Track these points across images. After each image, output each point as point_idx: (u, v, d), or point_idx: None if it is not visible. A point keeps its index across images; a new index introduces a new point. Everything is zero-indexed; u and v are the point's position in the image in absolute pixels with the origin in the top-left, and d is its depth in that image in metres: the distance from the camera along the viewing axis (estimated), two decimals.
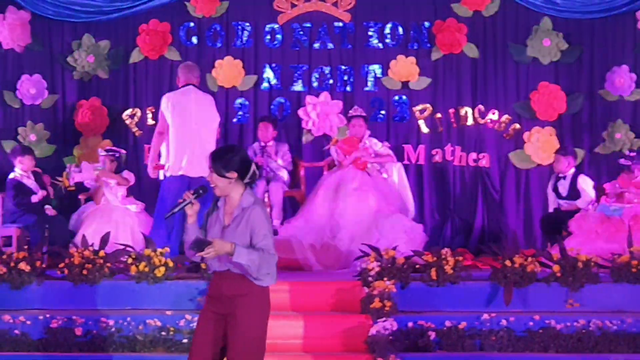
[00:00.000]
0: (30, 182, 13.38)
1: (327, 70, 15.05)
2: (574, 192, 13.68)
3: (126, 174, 13.85)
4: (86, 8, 14.84)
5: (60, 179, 14.16)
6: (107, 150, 13.81)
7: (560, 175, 13.80)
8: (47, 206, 13.39)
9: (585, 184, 13.69)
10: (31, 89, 14.79)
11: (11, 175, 13.33)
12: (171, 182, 12.10)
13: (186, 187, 11.42)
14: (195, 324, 9.91)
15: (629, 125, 14.75)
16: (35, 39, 14.89)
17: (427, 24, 14.98)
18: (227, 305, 7.25)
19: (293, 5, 15.04)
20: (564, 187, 13.75)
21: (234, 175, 7.16)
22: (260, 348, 7.40)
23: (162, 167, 12.41)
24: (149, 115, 14.94)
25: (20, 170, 13.35)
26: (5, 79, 14.84)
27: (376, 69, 14.99)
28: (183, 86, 12.40)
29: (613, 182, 13.54)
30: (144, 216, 13.45)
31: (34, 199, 13.34)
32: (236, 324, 7.21)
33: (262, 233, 7.16)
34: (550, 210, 14.00)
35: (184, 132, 12.08)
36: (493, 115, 14.97)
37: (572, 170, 13.81)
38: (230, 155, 7.22)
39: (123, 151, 14.16)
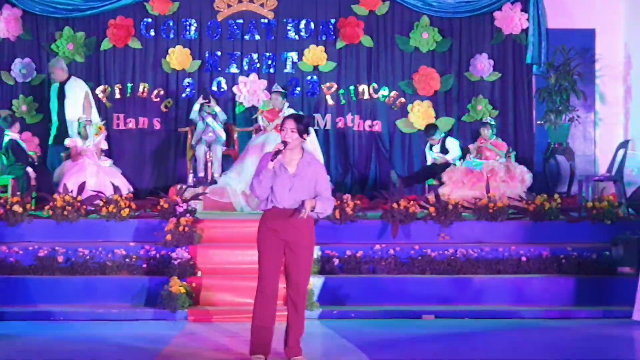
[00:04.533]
0: (22, 144, 13.38)
1: (255, 56, 15.02)
2: (444, 150, 13.78)
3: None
4: (66, 7, 14.69)
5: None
6: (84, 118, 13.58)
7: (434, 143, 13.90)
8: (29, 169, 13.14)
9: (452, 143, 13.86)
10: (23, 69, 14.76)
11: (7, 138, 13.22)
12: None
13: None
14: (153, 252, 10.63)
15: (487, 99, 14.94)
16: (25, 30, 14.80)
17: (332, 20, 14.98)
18: (291, 233, 7.41)
19: (229, 6, 14.96)
20: (437, 147, 13.86)
21: (307, 137, 7.51)
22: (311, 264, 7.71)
23: None
24: (117, 91, 14.90)
25: (14, 134, 13.27)
26: (2, 62, 14.72)
27: (293, 55, 15.02)
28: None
29: (475, 143, 13.66)
30: (113, 169, 13.29)
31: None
32: (301, 247, 7.47)
33: (325, 184, 7.50)
34: (428, 163, 14.03)
35: None
36: (384, 92, 15.08)
37: (440, 136, 13.88)
38: (307, 121, 7.57)
39: (88, 120, 13.55)
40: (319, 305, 10.19)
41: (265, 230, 7.50)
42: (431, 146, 14.00)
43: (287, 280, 7.56)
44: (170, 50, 14.95)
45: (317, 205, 7.37)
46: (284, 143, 7.40)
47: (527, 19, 14.87)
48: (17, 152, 13.16)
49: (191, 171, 14.20)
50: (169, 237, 10.98)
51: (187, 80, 15.06)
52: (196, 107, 14.11)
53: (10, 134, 13.26)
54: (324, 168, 7.70)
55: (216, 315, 9.81)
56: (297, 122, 7.45)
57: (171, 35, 15.04)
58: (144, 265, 10.80)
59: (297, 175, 7.43)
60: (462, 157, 13.77)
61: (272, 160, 7.34)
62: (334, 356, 8.12)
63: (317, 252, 10.75)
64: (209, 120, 14.06)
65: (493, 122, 13.77)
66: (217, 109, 14.14)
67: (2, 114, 14.01)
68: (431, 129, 14.06)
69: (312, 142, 14.00)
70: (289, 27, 15.11)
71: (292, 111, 13.86)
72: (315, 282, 10.34)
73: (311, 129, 13.98)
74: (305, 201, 7.33)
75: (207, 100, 14.04)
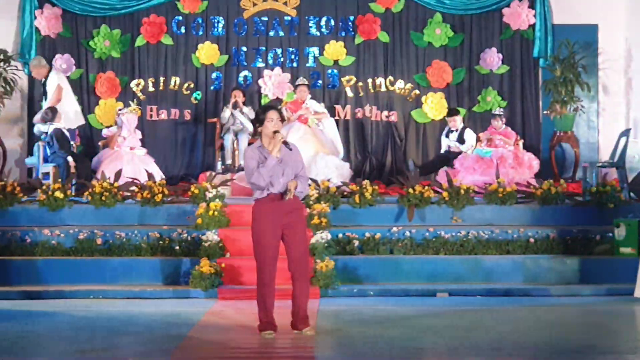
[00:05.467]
0: (67, 133, 13.20)
1: (279, 51, 15.00)
2: (461, 140, 13.66)
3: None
4: (102, 6, 14.77)
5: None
6: (121, 110, 13.81)
7: (453, 129, 13.83)
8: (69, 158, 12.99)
9: (470, 134, 13.74)
10: (63, 64, 14.72)
11: (52, 128, 12.99)
12: None
13: None
14: (185, 235, 10.67)
15: (496, 91, 14.89)
16: (65, 28, 14.81)
17: (351, 17, 14.95)
18: (287, 216, 7.54)
19: (254, 4, 14.96)
20: (454, 135, 13.75)
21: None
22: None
23: None
24: (150, 84, 14.89)
25: (59, 124, 13.13)
26: (43, 57, 14.23)
27: (315, 50, 15.01)
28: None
29: (485, 131, 13.72)
30: (147, 158, 13.32)
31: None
32: (298, 227, 7.62)
33: (302, 165, 7.68)
34: (442, 151, 13.97)
35: None
36: (399, 84, 15.01)
37: (461, 125, 13.84)
38: (281, 109, 7.79)
39: (123, 109, 13.76)
40: (340, 283, 10.19)
41: (264, 221, 7.55)
42: (448, 133, 13.93)
43: (289, 259, 7.66)
44: (200, 46, 14.96)
45: (298, 186, 7.56)
46: (276, 132, 7.52)
47: (534, 15, 14.87)
48: (61, 141, 13.08)
49: (219, 159, 14.23)
50: (199, 220, 11.01)
51: (216, 73, 15.05)
52: (226, 113, 14.14)
53: (55, 124, 13.18)
54: (298, 149, 7.78)
55: (243, 294, 9.81)
56: (279, 112, 7.62)
57: (200, 32, 15.02)
58: (177, 247, 10.83)
59: (283, 160, 7.54)
60: (473, 145, 13.71)
61: (285, 146, 7.52)
62: (351, 330, 8.12)
63: (338, 235, 10.85)
64: (237, 113, 14.08)
65: (502, 113, 13.75)
66: (245, 113, 14.10)
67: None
68: (454, 112, 14.03)
69: (332, 131, 14.05)
70: (310, 24, 15.09)
71: (314, 102, 14.05)
72: (336, 262, 10.34)
73: (332, 119, 14.21)
74: (289, 183, 7.49)
75: (237, 108, 14.06)
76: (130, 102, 14.47)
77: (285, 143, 7.63)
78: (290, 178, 7.56)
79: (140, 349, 7.45)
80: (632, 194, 12.06)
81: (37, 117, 13.34)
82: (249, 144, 13.74)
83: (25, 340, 7.80)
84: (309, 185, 8.05)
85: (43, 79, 13.63)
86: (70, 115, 13.39)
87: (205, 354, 7.26)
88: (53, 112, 13.26)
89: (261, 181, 7.49)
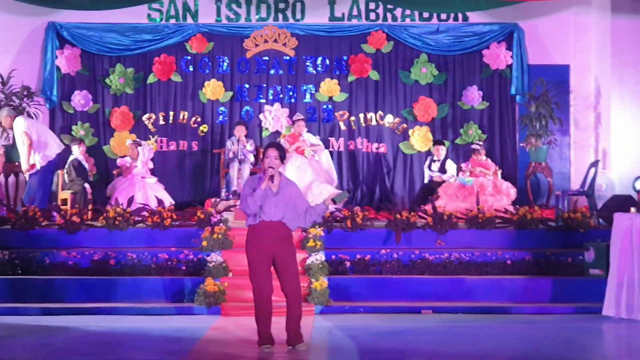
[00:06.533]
0: (84, 163, 13.33)
1: (278, 88, 14.96)
2: (443, 170, 13.65)
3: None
4: (118, 47, 14.75)
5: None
6: (133, 141, 13.82)
7: (436, 159, 13.78)
8: (86, 184, 13.08)
9: (451, 165, 13.75)
10: (81, 100, 14.75)
11: (71, 157, 13.19)
12: None
13: None
14: (191, 256, 10.62)
15: (477, 125, 14.88)
16: (83, 66, 14.82)
17: (345, 57, 14.93)
18: (277, 244, 7.57)
19: (256, 45, 14.88)
20: (436, 165, 13.71)
21: (284, 162, 7.74)
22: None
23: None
24: (161, 118, 14.85)
25: (79, 154, 13.27)
26: (64, 93, 14.71)
27: (311, 87, 14.96)
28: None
29: (467, 162, 13.71)
30: (157, 185, 13.34)
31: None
32: (288, 254, 7.63)
33: (303, 200, 7.68)
34: (426, 181, 13.89)
35: None
36: (388, 118, 14.98)
37: (444, 155, 13.82)
38: (284, 149, 7.77)
39: (143, 142, 13.89)
40: (332, 301, 10.17)
41: (256, 245, 7.61)
42: (430, 164, 13.89)
43: (280, 282, 7.66)
44: (206, 83, 14.95)
45: (313, 214, 7.68)
46: (271, 168, 7.55)
47: (511, 56, 14.84)
48: (79, 170, 13.14)
49: (224, 186, 14.17)
50: (204, 243, 11.01)
51: (221, 108, 15.02)
52: (232, 147, 14.04)
53: (74, 154, 13.24)
54: (298, 186, 7.81)
55: (244, 310, 9.72)
56: (278, 150, 7.63)
57: (207, 70, 15.01)
58: (183, 267, 10.82)
59: (279, 193, 7.57)
60: (456, 174, 13.68)
61: (271, 181, 7.54)
62: (343, 344, 8.12)
63: (332, 256, 10.84)
64: (240, 146, 14.01)
65: (478, 147, 13.76)
66: (250, 148, 14.05)
67: (67, 139, 14.16)
68: (440, 142, 14.04)
69: (327, 161, 14.01)
70: (307, 63, 15.07)
71: (310, 135, 14.04)
72: (330, 282, 10.34)
73: (326, 151, 14.17)
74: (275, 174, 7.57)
75: (240, 143, 14.00)
76: (150, 136, 14.43)
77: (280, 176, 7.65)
78: (282, 208, 7.58)
79: None
80: (600, 220, 11.97)
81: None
82: (251, 173, 13.82)
83: (44, 353, 7.81)
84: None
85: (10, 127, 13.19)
86: (53, 145, 12.85)
87: None
88: (80, 141, 13.48)
89: (247, 209, 7.58)
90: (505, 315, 10.00)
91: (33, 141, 12.53)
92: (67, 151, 13.41)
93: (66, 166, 13.20)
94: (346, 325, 9.21)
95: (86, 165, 13.42)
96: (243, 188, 7.73)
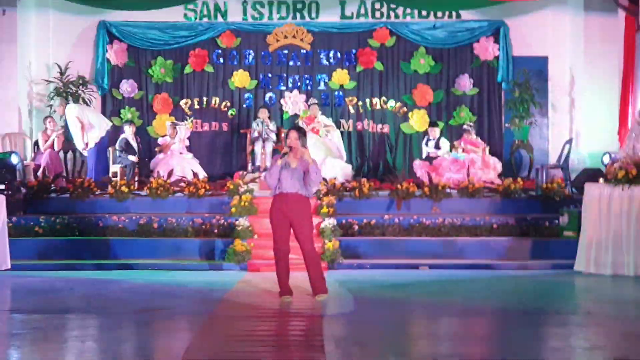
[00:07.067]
0: (133, 142, 13.32)
1: (297, 77, 14.85)
2: (437, 147, 13.38)
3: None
4: (159, 42, 14.67)
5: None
6: (172, 122, 13.75)
7: (431, 138, 13.53)
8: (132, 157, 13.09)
9: (444, 142, 13.48)
10: (128, 88, 14.73)
11: (122, 136, 13.27)
12: None
13: None
14: (222, 221, 10.61)
15: (468, 108, 14.69)
16: (129, 59, 14.77)
17: (354, 50, 14.79)
18: (294, 211, 7.58)
19: (277, 40, 14.76)
20: (432, 143, 13.47)
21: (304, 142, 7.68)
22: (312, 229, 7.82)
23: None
24: (195, 103, 14.72)
25: (130, 133, 13.27)
26: (113, 82, 14.68)
27: (324, 76, 14.84)
28: None
29: (459, 140, 13.51)
30: (193, 160, 13.30)
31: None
32: (302, 220, 7.61)
33: (312, 173, 7.56)
34: (423, 157, 13.50)
35: None
36: (391, 103, 14.83)
37: (438, 135, 13.56)
38: (304, 131, 7.82)
39: (181, 123, 13.85)
40: (343, 259, 10.20)
41: (275, 211, 7.65)
42: (427, 141, 13.74)
43: (298, 242, 7.67)
44: (234, 73, 14.86)
45: (310, 183, 7.60)
46: (290, 147, 7.58)
47: (498, 49, 14.70)
48: (127, 148, 13.22)
49: (250, 162, 14.19)
50: (233, 209, 11.05)
51: (247, 95, 14.93)
52: (257, 127, 14.00)
53: (126, 134, 13.30)
54: (315, 163, 7.70)
55: (267, 267, 9.68)
56: (298, 132, 7.68)
57: (235, 62, 14.92)
58: (215, 230, 10.84)
59: (296, 168, 7.60)
60: (450, 150, 13.53)
61: (281, 159, 7.55)
62: (353, 294, 8.14)
63: (342, 221, 10.82)
64: (264, 127, 13.98)
65: (469, 128, 13.62)
66: (272, 128, 14.03)
67: (117, 121, 14.30)
68: (434, 124, 13.93)
69: (338, 140, 13.99)
70: (321, 56, 14.95)
71: (324, 117, 14.02)
72: (340, 242, 10.35)
73: (338, 131, 14.13)
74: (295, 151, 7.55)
75: (264, 124, 13.97)
76: (186, 119, 14.38)
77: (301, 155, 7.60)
78: (298, 181, 7.59)
79: (187, 309, 7.50)
80: (573, 189, 11.97)
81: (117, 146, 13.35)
82: (274, 150, 13.87)
83: (98, 301, 7.92)
84: (320, 182, 7.98)
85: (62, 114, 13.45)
86: (102, 125, 13.11)
87: (238, 312, 7.29)
88: (131, 123, 13.52)
89: (269, 181, 7.66)
90: (490, 271, 10.02)
91: (85, 124, 12.67)
92: (117, 131, 13.51)
93: (116, 144, 13.29)
94: (355, 279, 9.23)
95: (133, 144, 13.42)
96: (270, 165, 7.69)
